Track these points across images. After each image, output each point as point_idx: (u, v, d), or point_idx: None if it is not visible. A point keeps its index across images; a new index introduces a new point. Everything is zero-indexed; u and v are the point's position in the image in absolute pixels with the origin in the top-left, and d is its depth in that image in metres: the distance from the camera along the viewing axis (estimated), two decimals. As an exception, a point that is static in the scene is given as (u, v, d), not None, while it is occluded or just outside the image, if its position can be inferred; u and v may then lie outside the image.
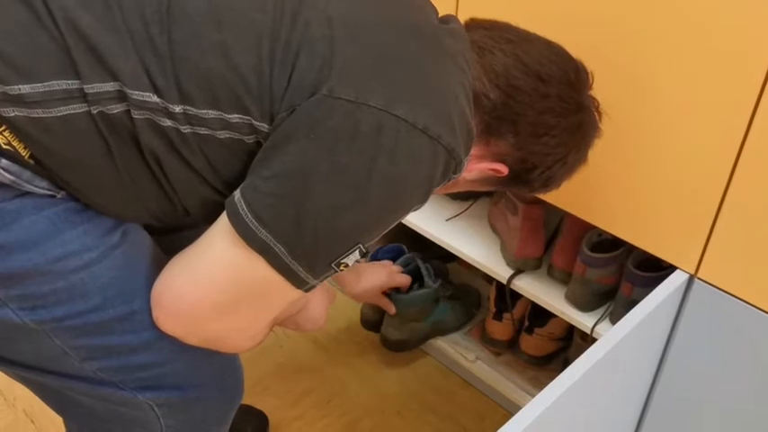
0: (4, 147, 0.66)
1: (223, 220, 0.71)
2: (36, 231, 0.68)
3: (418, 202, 0.76)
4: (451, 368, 1.55)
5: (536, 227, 1.25)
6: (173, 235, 0.86)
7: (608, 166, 1.03)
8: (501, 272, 1.26)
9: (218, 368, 0.85)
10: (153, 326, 0.75)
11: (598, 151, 1.03)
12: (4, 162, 0.66)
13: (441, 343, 1.52)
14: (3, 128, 0.66)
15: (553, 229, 1.32)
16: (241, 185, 0.71)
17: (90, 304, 0.72)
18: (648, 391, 1.13)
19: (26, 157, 0.67)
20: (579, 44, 0.89)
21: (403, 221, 1.40)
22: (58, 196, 0.71)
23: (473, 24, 0.84)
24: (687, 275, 1.00)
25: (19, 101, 0.65)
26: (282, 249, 0.69)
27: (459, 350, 1.49)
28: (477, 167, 0.81)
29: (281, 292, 0.73)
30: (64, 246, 0.69)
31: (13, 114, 0.65)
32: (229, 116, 0.69)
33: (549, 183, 0.88)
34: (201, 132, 0.70)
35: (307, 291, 0.74)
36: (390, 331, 1.46)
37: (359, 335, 1.61)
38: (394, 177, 0.70)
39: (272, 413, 1.40)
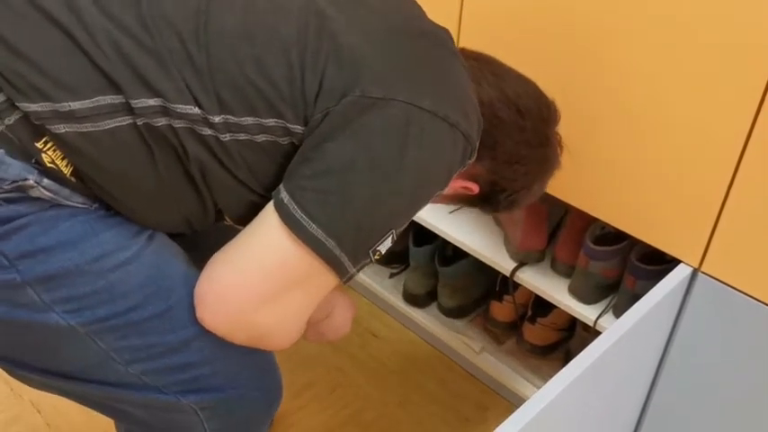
0: (48, 165, 0.69)
1: (267, 218, 0.75)
2: (74, 234, 0.71)
3: (440, 187, 0.82)
4: (454, 359, 1.56)
5: (539, 219, 1.25)
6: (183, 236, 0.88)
7: (612, 160, 1.03)
8: (504, 264, 1.27)
9: (257, 369, 0.87)
10: (190, 323, 0.78)
11: (602, 145, 1.04)
12: (46, 182, 0.70)
13: (444, 334, 1.52)
14: (49, 146, 0.69)
15: (556, 221, 1.32)
16: (284, 186, 0.75)
17: (130, 303, 0.74)
18: (651, 384, 1.13)
19: (68, 175, 0.71)
20: (582, 40, 0.89)
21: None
22: (92, 208, 0.74)
23: (463, 53, 0.90)
24: (691, 269, 1.00)
25: (69, 117, 0.68)
26: (332, 242, 0.74)
27: (464, 340, 1.50)
28: (452, 185, 0.86)
29: (325, 282, 0.78)
30: (101, 246, 0.72)
31: (63, 131, 0.68)
32: (266, 121, 0.74)
33: (512, 206, 0.96)
34: (241, 138, 0.74)
35: (346, 280, 0.79)
36: (445, 300, 1.54)
37: (362, 326, 1.61)
38: (422, 164, 0.76)
39: (275, 404, 1.41)
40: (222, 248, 0.78)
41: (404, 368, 1.54)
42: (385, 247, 0.79)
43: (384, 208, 0.76)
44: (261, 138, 0.75)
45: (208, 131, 0.73)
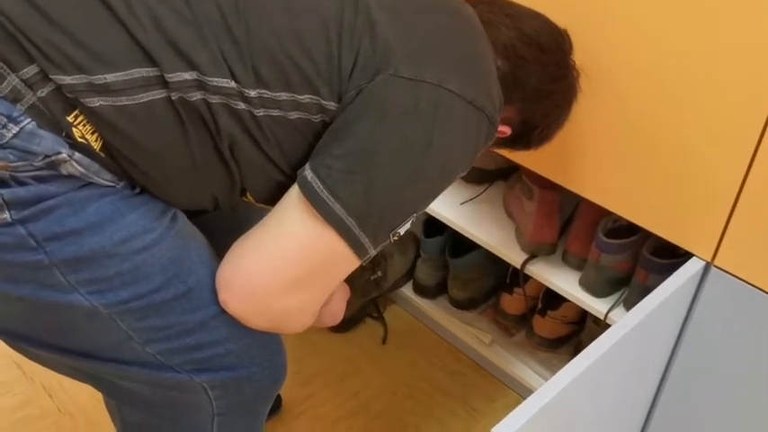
0: (79, 140, 0.69)
1: (293, 199, 0.76)
2: (102, 215, 0.71)
3: (464, 169, 0.84)
4: (463, 350, 1.56)
5: (551, 212, 1.24)
6: (200, 217, 0.89)
7: (625, 153, 1.02)
8: (515, 257, 1.26)
9: (266, 348, 0.88)
10: (209, 304, 0.79)
11: (615, 137, 1.03)
12: (77, 155, 0.69)
13: (454, 326, 1.52)
14: (80, 119, 0.69)
15: (568, 214, 1.31)
16: (310, 164, 0.75)
17: (153, 285, 0.75)
18: (661, 378, 1.13)
19: (98, 150, 0.71)
20: (595, 32, 0.89)
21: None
22: (118, 187, 0.74)
23: (475, 0, 0.90)
24: (703, 263, 1.00)
25: (104, 90, 0.68)
26: (353, 222, 0.74)
27: (474, 332, 1.49)
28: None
29: (346, 264, 0.79)
30: (127, 228, 0.73)
31: (98, 104, 0.68)
32: (301, 97, 0.75)
33: (544, 141, 0.97)
34: (274, 114, 0.75)
35: (365, 262, 0.79)
36: (455, 292, 1.53)
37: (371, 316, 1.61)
38: (449, 147, 0.77)
39: (284, 392, 1.42)
40: (247, 233, 0.78)
41: (413, 359, 1.54)
42: (405, 228, 0.79)
43: (409, 191, 0.77)
44: (294, 115, 0.75)
45: (242, 106, 0.73)
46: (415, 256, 1.58)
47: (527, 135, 0.95)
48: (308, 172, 0.75)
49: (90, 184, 0.72)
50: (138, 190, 0.76)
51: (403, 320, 1.64)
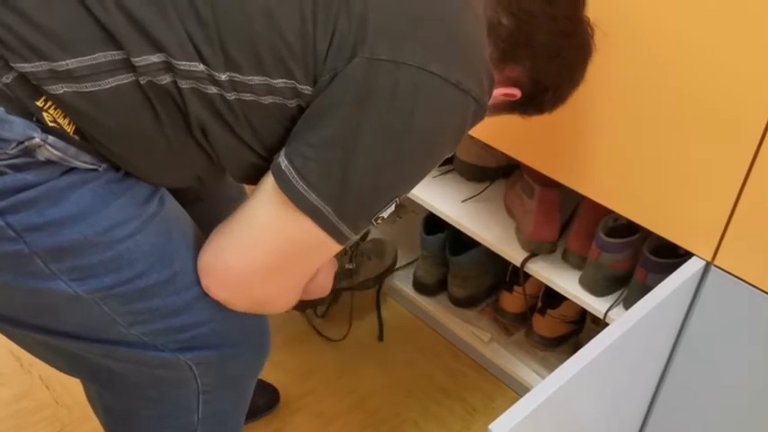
0: (50, 124, 0.67)
1: (268, 187, 0.74)
2: (84, 205, 0.70)
3: (450, 150, 0.81)
4: (462, 348, 1.55)
5: (552, 210, 1.24)
6: (195, 205, 0.89)
7: (626, 151, 1.02)
8: (515, 255, 1.26)
9: (251, 326, 0.88)
10: (192, 286, 0.79)
11: (616, 135, 1.02)
12: (51, 139, 0.67)
13: (453, 324, 1.52)
14: (49, 105, 0.67)
15: (569, 212, 1.31)
16: (285, 151, 0.73)
17: (136, 271, 0.75)
18: (660, 377, 1.12)
19: (71, 134, 0.69)
20: (599, 26, 0.88)
21: (418, 202, 1.40)
22: (100, 169, 0.72)
23: None
24: (703, 262, 0.99)
25: (68, 77, 0.66)
26: (330, 210, 0.72)
27: (473, 330, 1.49)
28: (493, 96, 0.82)
29: (325, 249, 0.77)
30: (111, 217, 0.72)
31: (62, 91, 0.66)
32: (274, 81, 0.71)
33: (558, 102, 0.91)
34: (246, 99, 0.71)
35: (345, 246, 0.78)
36: (455, 290, 1.53)
37: (370, 313, 1.61)
38: (430, 130, 0.74)
39: (282, 388, 1.42)
40: (228, 219, 0.78)
41: (412, 357, 1.54)
42: (387, 212, 0.77)
43: (388, 177, 0.74)
44: (268, 99, 0.72)
45: (213, 90, 0.70)
46: (391, 264, 1.55)
47: (539, 97, 0.88)
48: (282, 159, 0.72)
49: (71, 170, 0.70)
50: (122, 172, 0.75)
51: (402, 318, 1.64)
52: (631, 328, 0.89)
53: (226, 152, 0.76)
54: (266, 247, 0.76)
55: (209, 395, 0.88)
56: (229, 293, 0.79)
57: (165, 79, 0.68)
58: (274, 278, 0.78)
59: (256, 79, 0.70)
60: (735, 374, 1.03)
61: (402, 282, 1.61)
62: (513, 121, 0.95)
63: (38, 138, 0.66)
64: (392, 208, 0.78)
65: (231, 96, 0.71)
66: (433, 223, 1.50)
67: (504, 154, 1.21)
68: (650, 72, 0.95)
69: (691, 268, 0.99)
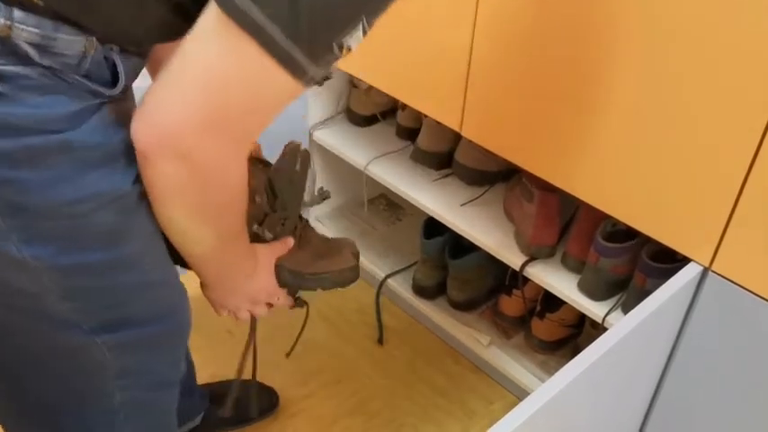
0: None
1: (208, 14, 0.64)
2: (59, 173, 0.66)
3: None
4: (462, 352, 1.56)
5: (551, 214, 1.25)
6: None
7: (625, 156, 1.02)
8: (514, 258, 1.27)
9: (171, 304, 0.85)
10: (125, 268, 0.75)
11: (615, 141, 1.03)
12: (18, 14, 0.61)
13: (452, 327, 1.53)
14: None
15: (568, 217, 1.31)
16: None
17: (83, 246, 0.71)
18: (658, 382, 1.13)
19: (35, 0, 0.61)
20: (596, 39, 0.89)
21: (417, 205, 1.40)
22: (92, 53, 0.66)
23: None
24: (701, 268, 1.00)
25: None
26: (276, 29, 0.62)
27: (473, 333, 1.50)
28: None
29: (277, 85, 0.67)
30: (83, 189, 0.68)
31: None
32: None
33: None
34: None
35: (306, 83, 0.68)
36: (454, 293, 1.52)
37: (370, 316, 1.62)
38: None
39: (282, 391, 1.42)
40: (168, 62, 0.68)
41: (411, 360, 1.54)
42: (356, 40, 0.66)
43: None
44: None
45: None
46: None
47: None
48: None
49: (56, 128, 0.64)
50: (114, 116, 0.69)
51: (401, 321, 1.64)
52: (630, 333, 0.90)
53: None
54: (205, 83, 0.65)
55: (124, 380, 0.83)
56: (161, 147, 0.67)
57: None
58: (214, 128, 0.67)
59: None
60: (732, 378, 1.03)
61: (401, 285, 1.61)
62: (513, 126, 0.96)
63: (2, 19, 0.60)
64: (360, 34, 0.66)
65: None
66: (433, 227, 1.50)
67: (503, 159, 1.22)
68: (649, 78, 0.96)
69: (688, 273, 0.99)
